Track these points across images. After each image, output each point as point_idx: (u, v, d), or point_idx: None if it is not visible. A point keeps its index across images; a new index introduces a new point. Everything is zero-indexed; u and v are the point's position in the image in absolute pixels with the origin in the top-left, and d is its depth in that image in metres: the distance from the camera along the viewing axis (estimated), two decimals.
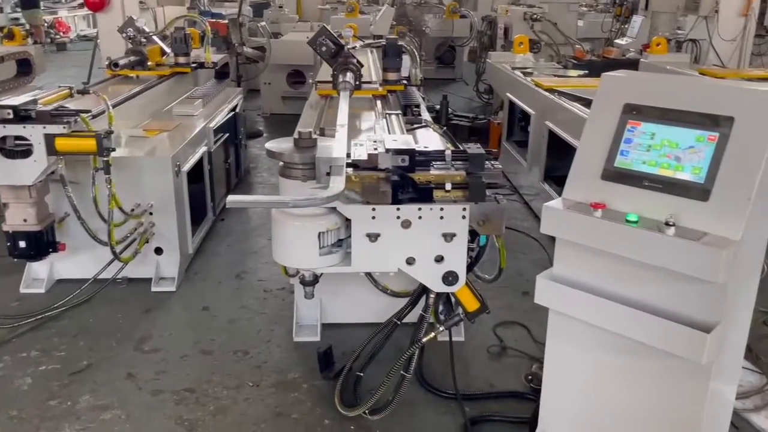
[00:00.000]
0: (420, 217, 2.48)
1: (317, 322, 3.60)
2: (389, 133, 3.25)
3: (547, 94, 5.40)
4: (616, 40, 9.45)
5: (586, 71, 6.69)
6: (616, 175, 2.13)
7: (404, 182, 2.45)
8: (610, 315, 2.11)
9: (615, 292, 2.12)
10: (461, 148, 2.60)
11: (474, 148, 2.54)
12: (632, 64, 7.31)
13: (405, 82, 4.85)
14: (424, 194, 2.48)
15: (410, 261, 2.55)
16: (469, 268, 2.72)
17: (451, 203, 2.48)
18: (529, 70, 6.55)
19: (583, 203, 2.14)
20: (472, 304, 2.72)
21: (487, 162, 2.51)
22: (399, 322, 3.12)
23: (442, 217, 2.48)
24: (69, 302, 3.83)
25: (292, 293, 3.83)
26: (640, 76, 2.28)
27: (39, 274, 4.10)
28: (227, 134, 5.48)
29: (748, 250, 1.99)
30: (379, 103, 4.45)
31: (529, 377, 3.21)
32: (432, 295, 2.77)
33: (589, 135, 2.25)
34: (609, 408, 2.28)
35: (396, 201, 2.45)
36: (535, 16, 9.18)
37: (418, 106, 4.48)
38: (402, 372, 2.82)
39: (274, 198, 2.36)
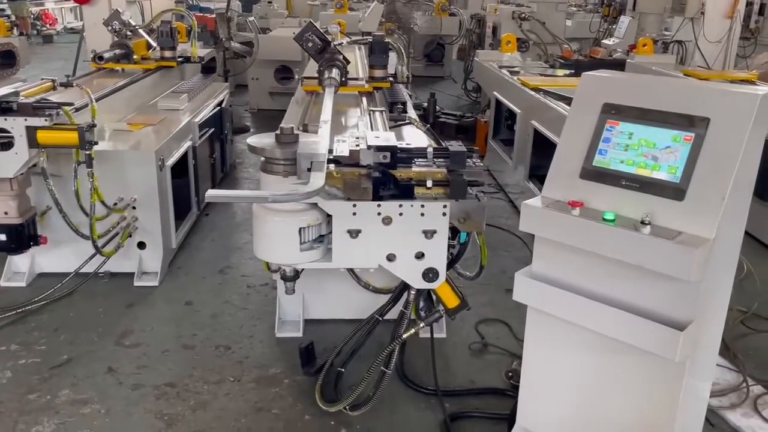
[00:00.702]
0: (401, 214, 2.48)
1: (300, 318, 3.60)
2: (372, 130, 3.25)
3: (532, 93, 5.43)
4: (604, 41, 9.52)
5: (573, 71, 6.73)
6: (594, 174, 2.16)
7: (385, 179, 2.46)
8: (586, 312, 2.13)
9: (592, 289, 2.15)
10: (443, 146, 2.61)
11: (456, 145, 2.55)
12: (619, 65, 7.36)
13: (391, 79, 4.86)
14: (405, 191, 2.49)
15: (391, 257, 2.56)
16: (450, 265, 2.73)
17: (432, 200, 2.49)
18: (516, 69, 6.57)
19: (562, 201, 2.16)
20: (452, 300, 2.73)
21: (468, 159, 2.52)
22: (381, 319, 3.13)
23: (422, 214, 2.49)
24: (50, 296, 3.81)
25: (275, 289, 3.83)
26: (619, 76, 2.30)
27: (20, 267, 4.07)
28: (213, 129, 5.46)
29: (722, 249, 2.01)
30: (364, 99, 4.45)
31: (510, 374, 3.24)
32: (412, 292, 2.79)
33: (569, 134, 2.27)
34: (585, 404, 2.31)
35: (377, 197, 2.46)
36: (523, 15, 9.23)
37: (404, 103, 4.48)
38: (382, 368, 2.83)
39: (254, 193, 2.36)
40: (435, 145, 2.69)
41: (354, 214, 2.46)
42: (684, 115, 2.02)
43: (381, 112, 3.73)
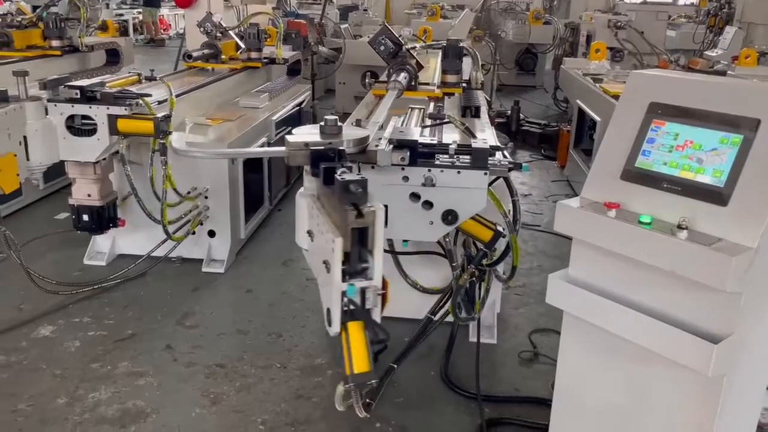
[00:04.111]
0: None
1: None
2: (402, 125, 3.20)
3: (613, 101, 5.22)
4: (707, 52, 9.03)
5: None
6: (635, 176, 2.06)
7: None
8: (617, 319, 2.03)
9: (626, 296, 2.05)
10: (469, 143, 2.55)
11: (480, 142, 2.49)
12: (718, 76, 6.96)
13: (464, 85, 4.82)
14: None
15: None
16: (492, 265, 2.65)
17: None
18: (599, 77, 6.36)
19: (599, 203, 2.09)
20: (484, 234, 2.65)
21: (492, 157, 2.42)
22: (433, 317, 3.09)
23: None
24: (125, 275, 4.06)
25: None
26: (669, 75, 2.18)
27: (102, 248, 4.37)
28: (290, 128, 5.61)
29: None
30: (432, 104, 4.45)
31: None
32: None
33: (613, 134, 2.18)
34: (619, 414, 2.20)
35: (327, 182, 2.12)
36: (619, 23, 8.90)
37: (477, 107, 4.44)
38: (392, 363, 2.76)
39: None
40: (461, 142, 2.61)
41: None
42: (733, 115, 1.90)
43: (420, 109, 3.67)
